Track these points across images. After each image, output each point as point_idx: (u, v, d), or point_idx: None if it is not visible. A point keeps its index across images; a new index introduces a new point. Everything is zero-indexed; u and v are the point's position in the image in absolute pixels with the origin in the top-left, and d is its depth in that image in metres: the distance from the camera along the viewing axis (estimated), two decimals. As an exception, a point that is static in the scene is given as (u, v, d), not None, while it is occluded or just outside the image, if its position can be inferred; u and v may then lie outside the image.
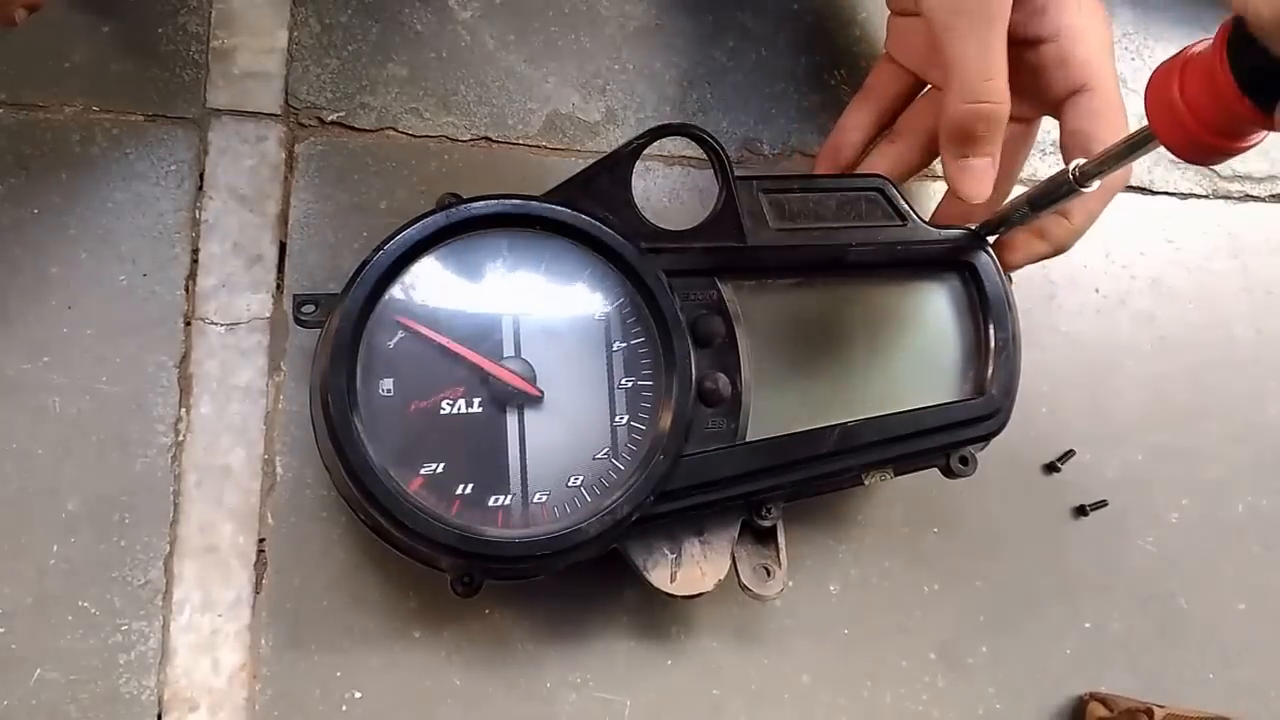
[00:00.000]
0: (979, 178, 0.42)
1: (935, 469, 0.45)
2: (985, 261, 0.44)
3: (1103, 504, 0.52)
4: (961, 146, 0.42)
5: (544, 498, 0.38)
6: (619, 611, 0.48)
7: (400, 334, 0.38)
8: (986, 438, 0.44)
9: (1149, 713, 0.46)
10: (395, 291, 0.39)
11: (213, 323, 0.48)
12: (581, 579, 0.47)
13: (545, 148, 0.52)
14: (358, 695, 0.46)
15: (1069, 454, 0.52)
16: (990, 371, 0.44)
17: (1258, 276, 0.56)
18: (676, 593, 0.41)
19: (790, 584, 0.49)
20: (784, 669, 0.49)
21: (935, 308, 0.45)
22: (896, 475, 0.45)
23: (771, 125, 0.54)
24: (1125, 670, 0.51)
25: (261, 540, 0.47)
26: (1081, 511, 0.52)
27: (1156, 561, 0.52)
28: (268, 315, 0.48)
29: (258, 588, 0.46)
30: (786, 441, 0.41)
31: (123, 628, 0.45)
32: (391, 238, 0.39)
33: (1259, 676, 0.52)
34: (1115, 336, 0.55)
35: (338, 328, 0.38)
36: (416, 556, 0.39)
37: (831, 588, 0.50)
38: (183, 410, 0.47)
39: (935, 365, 0.44)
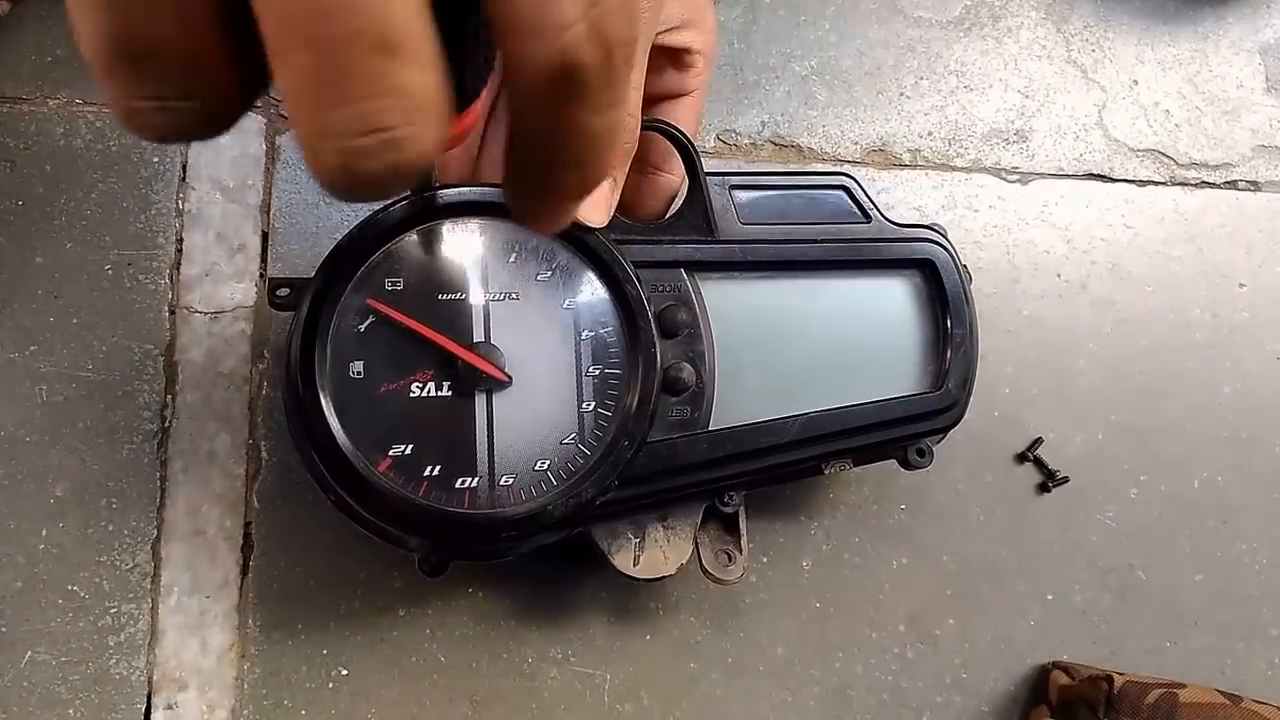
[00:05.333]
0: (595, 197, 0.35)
1: (893, 460, 0.43)
2: (945, 259, 0.42)
3: (1065, 480, 0.49)
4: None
5: (510, 480, 0.35)
6: (598, 589, 0.45)
7: (371, 317, 0.35)
8: (944, 430, 0.42)
9: (1109, 680, 0.43)
10: (366, 275, 0.36)
11: (197, 311, 0.44)
12: (561, 558, 0.44)
13: (523, 139, 0.48)
14: (344, 672, 0.43)
15: (1037, 442, 0.49)
16: (948, 366, 0.41)
17: (1213, 261, 0.53)
18: (639, 575, 0.39)
19: (763, 560, 0.46)
20: (759, 642, 0.46)
21: (896, 303, 0.42)
22: (855, 466, 0.42)
23: (745, 116, 0.51)
24: (1086, 640, 0.48)
25: (248, 523, 0.44)
26: (1044, 488, 0.49)
27: (1116, 535, 0.49)
28: (251, 304, 0.45)
29: (245, 570, 0.43)
30: (749, 431, 0.39)
31: (112, 610, 0.42)
32: (364, 223, 0.36)
33: (1214, 644, 0.49)
34: (1077, 319, 0.51)
35: (309, 310, 0.35)
36: (384, 536, 0.36)
37: (804, 563, 0.47)
38: (168, 397, 0.44)
39: (895, 359, 0.42)
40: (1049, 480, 0.49)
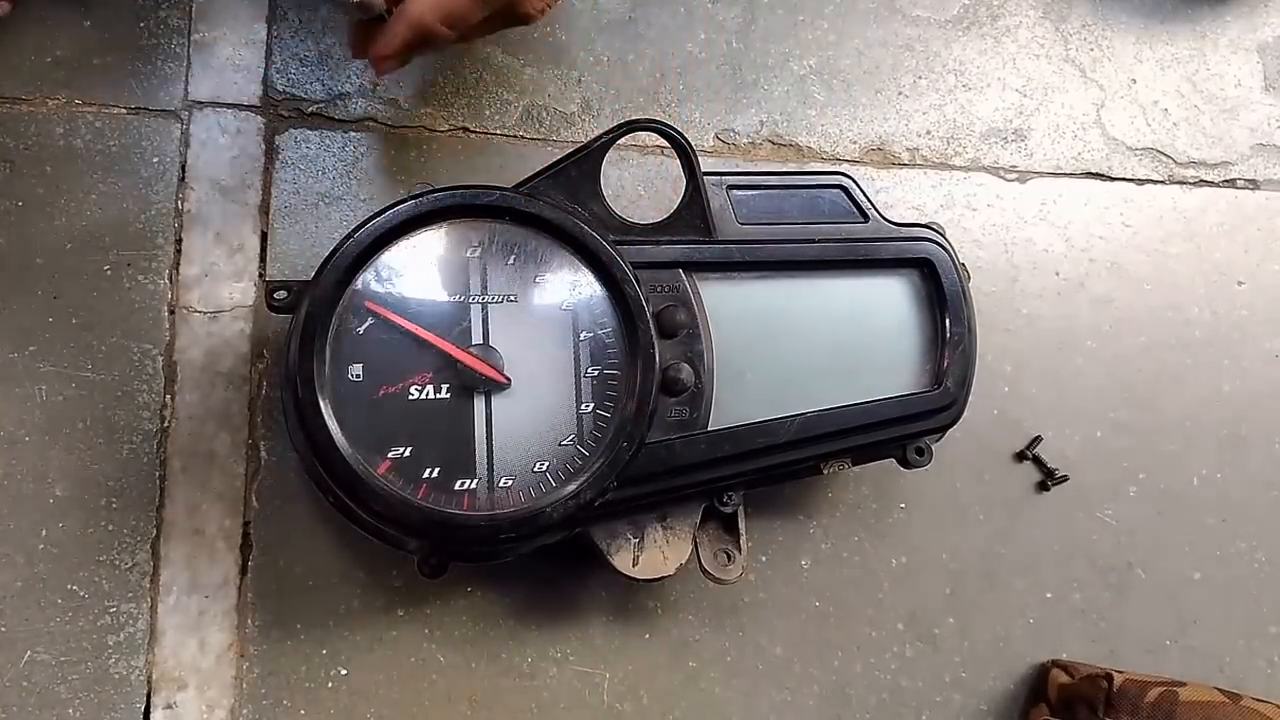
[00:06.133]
0: None
1: (892, 459, 0.42)
2: (943, 258, 0.42)
3: (1064, 479, 0.49)
4: None
5: (509, 482, 0.35)
6: (597, 588, 0.45)
7: (370, 320, 0.35)
8: (942, 429, 0.42)
9: (1108, 678, 0.43)
10: (365, 278, 0.35)
11: (196, 311, 0.44)
12: (560, 557, 0.44)
13: (522, 138, 0.48)
14: (343, 672, 0.43)
15: (1036, 440, 0.49)
16: (946, 365, 0.41)
17: (1211, 259, 0.53)
18: (638, 576, 0.38)
19: (762, 559, 0.46)
20: (758, 641, 0.46)
21: (894, 302, 0.42)
22: (854, 465, 0.42)
23: (743, 115, 0.50)
24: (1086, 638, 0.48)
25: (247, 523, 0.43)
26: (1043, 486, 0.49)
27: (1115, 533, 0.49)
28: (250, 303, 0.44)
29: (244, 569, 0.43)
30: (748, 431, 0.38)
31: (111, 609, 0.42)
32: (362, 226, 0.36)
33: (1213, 643, 0.49)
34: (1075, 318, 0.51)
35: (308, 313, 0.35)
36: (383, 538, 0.36)
37: (803, 562, 0.47)
38: (168, 397, 0.43)
39: (893, 358, 0.42)
40: (1048, 479, 0.49)
